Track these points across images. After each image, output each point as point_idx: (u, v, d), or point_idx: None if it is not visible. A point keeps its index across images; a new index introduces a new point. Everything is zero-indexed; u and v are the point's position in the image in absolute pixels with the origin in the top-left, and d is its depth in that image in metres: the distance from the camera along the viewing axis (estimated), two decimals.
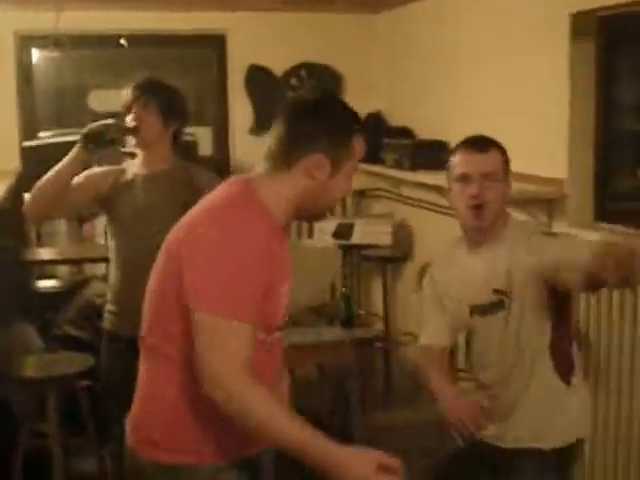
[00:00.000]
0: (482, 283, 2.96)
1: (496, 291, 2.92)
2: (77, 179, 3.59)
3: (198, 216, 2.21)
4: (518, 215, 4.16)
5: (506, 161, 2.94)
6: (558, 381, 2.94)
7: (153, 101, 3.62)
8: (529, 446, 2.97)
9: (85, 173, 3.66)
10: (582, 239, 3.01)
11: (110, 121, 3.52)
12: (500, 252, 2.90)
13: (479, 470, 3.13)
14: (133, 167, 3.74)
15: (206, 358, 2.05)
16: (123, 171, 3.74)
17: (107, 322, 3.76)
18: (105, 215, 3.79)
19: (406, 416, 5.65)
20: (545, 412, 2.96)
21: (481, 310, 2.99)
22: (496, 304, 2.93)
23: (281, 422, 2.03)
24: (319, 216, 2.39)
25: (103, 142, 3.46)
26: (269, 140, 2.25)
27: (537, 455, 2.96)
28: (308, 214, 2.37)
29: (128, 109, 3.64)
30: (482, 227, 2.91)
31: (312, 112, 2.26)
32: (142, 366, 2.33)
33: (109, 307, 3.76)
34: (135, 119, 3.60)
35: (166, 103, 3.66)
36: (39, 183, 3.50)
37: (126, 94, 3.67)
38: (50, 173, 3.48)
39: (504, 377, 3.01)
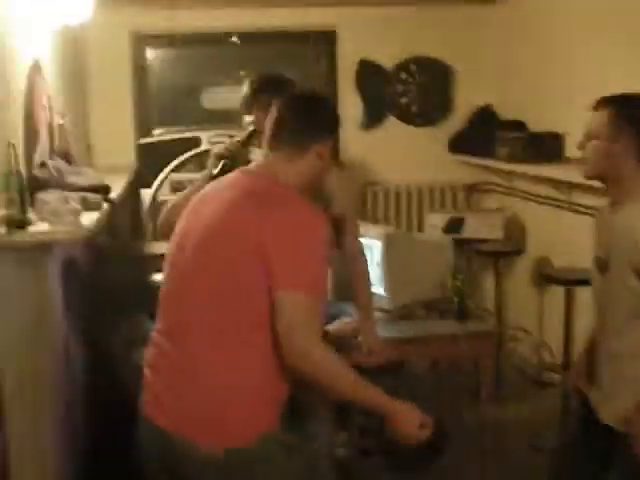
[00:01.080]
0: (603, 238, 2.97)
1: (607, 253, 2.91)
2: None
3: (252, 207, 2.38)
4: None
5: (616, 121, 2.82)
6: None
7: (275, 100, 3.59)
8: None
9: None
10: None
11: (238, 138, 3.52)
12: (624, 220, 2.84)
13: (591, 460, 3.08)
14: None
15: (298, 333, 2.27)
16: None
17: None
18: None
19: (517, 411, 5.60)
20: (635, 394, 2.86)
21: (597, 264, 2.99)
22: (604, 264, 2.93)
23: (357, 383, 2.37)
24: (314, 192, 2.71)
25: (236, 161, 3.44)
26: (273, 130, 2.57)
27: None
28: (309, 191, 2.60)
29: (248, 107, 3.57)
30: (585, 177, 2.98)
31: (319, 107, 2.66)
32: (206, 357, 2.39)
33: None
34: (256, 122, 3.50)
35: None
36: (172, 203, 3.53)
37: (244, 90, 3.60)
38: (182, 193, 3.51)
39: (602, 341, 3.01)
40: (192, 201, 2.63)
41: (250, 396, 2.39)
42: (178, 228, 2.60)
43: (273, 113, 2.60)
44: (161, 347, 2.51)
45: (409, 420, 2.44)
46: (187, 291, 2.43)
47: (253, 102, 3.54)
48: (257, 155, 3.66)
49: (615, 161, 2.84)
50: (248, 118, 3.58)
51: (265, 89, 3.52)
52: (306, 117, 2.57)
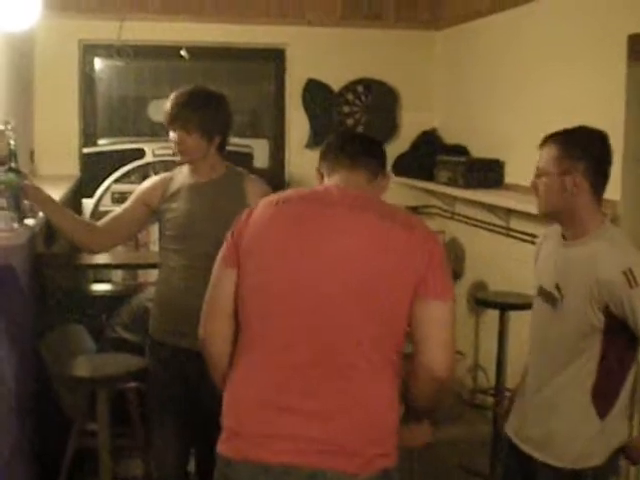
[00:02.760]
0: (551, 271, 3.00)
1: (557, 287, 2.93)
2: (128, 204, 3.67)
3: (397, 225, 2.44)
4: None
5: (563, 156, 2.86)
6: (591, 407, 2.88)
7: (193, 119, 3.49)
8: (542, 460, 2.95)
9: (134, 195, 3.70)
10: None
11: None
12: (579, 255, 2.88)
13: None
14: (181, 175, 3.70)
15: (449, 344, 2.39)
16: (172, 179, 3.70)
17: (151, 328, 3.77)
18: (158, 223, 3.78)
19: (450, 433, 5.65)
20: (563, 427, 2.92)
21: (542, 295, 3.03)
22: (551, 298, 2.96)
23: None
24: None
25: None
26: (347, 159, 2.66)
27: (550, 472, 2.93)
28: None
29: (170, 124, 3.55)
30: (540, 213, 3.04)
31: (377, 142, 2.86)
32: (345, 383, 2.38)
33: (154, 312, 3.78)
34: (177, 142, 3.53)
35: (208, 118, 3.54)
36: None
37: (167, 105, 3.57)
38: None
39: (537, 371, 3.04)
40: (260, 227, 2.48)
41: (392, 416, 2.46)
42: (275, 258, 2.44)
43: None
44: (300, 382, 2.39)
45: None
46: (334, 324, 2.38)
47: (173, 122, 3.54)
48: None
49: (567, 195, 2.84)
50: (172, 136, 3.57)
51: (184, 109, 3.51)
52: (375, 149, 2.78)
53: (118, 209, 3.76)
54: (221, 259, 2.52)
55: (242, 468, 2.37)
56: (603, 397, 2.86)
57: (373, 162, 2.69)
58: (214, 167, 3.65)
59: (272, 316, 2.40)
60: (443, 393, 2.45)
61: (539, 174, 2.92)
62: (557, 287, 2.93)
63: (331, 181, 2.63)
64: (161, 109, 6.94)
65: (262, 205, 2.52)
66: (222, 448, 2.44)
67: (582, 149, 2.86)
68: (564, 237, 2.97)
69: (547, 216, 3.03)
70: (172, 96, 3.58)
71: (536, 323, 3.11)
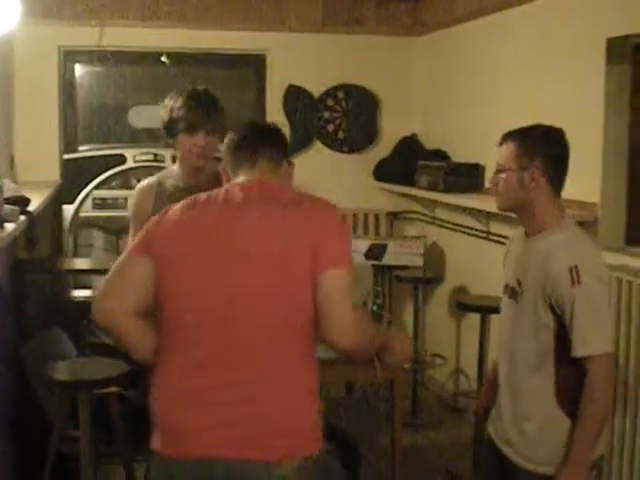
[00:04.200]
0: (514, 267, 3.04)
1: (518, 281, 2.97)
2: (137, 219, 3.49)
3: (298, 209, 2.50)
4: None
5: (521, 152, 2.92)
6: (557, 410, 2.87)
7: (222, 124, 3.48)
8: (517, 463, 2.95)
9: (135, 212, 3.58)
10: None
11: None
12: (536, 249, 2.92)
13: None
14: (171, 178, 3.63)
15: (340, 311, 2.38)
16: (159, 184, 3.62)
17: None
18: None
19: (433, 437, 5.66)
20: (534, 430, 2.91)
21: (507, 291, 3.06)
22: (513, 292, 2.99)
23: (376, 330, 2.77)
24: None
25: None
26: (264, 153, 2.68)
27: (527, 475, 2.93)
28: None
29: (198, 127, 3.46)
30: (499, 209, 3.10)
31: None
32: (259, 372, 2.42)
33: None
34: (205, 145, 3.47)
35: (224, 121, 3.54)
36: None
37: (178, 104, 3.48)
38: None
39: (505, 371, 3.04)
40: (174, 226, 2.53)
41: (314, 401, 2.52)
42: (189, 254, 2.48)
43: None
44: (215, 375, 2.44)
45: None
46: (245, 313, 2.42)
47: (199, 124, 3.47)
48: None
49: (526, 191, 2.90)
50: (197, 138, 3.48)
51: (212, 114, 3.49)
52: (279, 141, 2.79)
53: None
54: (133, 248, 2.54)
55: (183, 465, 2.43)
56: (568, 398, 2.84)
57: (274, 151, 2.69)
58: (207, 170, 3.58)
59: (186, 314, 2.45)
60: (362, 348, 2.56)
61: (498, 170, 2.98)
62: (518, 282, 2.96)
63: (237, 178, 2.65)
64: (142, 115, 7.00)
65: (174, 208, 2.57)
66: (159, 446, 2.50)
67: (539, 145, 2.93)
68: (526, 234, 3.01)
69: (506, 210, 3.08)
70: (191, 98, 3.51)
71: (502, 320, 3.13)
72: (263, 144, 2.67)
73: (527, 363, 2.91)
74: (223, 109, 3.59)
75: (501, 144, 3.00)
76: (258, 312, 2.41)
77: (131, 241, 3.22)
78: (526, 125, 3.03)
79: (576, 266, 2.75)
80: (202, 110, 3.47)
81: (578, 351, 2.76)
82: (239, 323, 2.41)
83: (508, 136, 3.00)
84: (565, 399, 2.85)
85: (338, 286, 2.39)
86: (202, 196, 2.58)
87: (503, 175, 2.95)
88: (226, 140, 2.75)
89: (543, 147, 2.93)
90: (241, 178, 2.63)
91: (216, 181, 3.46)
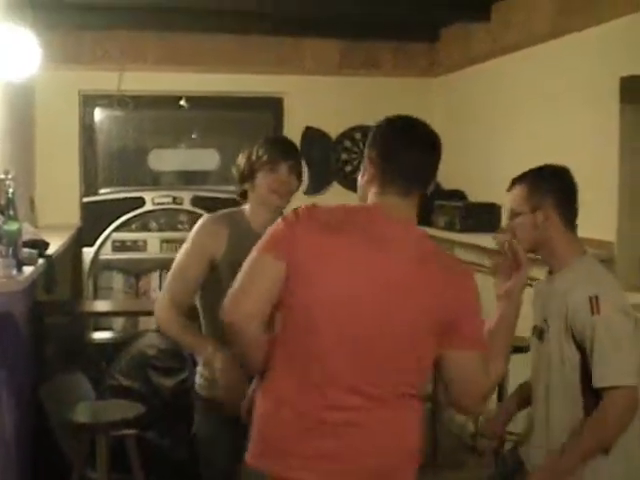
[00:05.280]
0: (540, 307, 3.06)
1: (544, 320, 2.99)
2: (190, 261, 3.33)
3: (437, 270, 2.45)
4: None
5: (531, 194, 2.96)
6: None
7: (298, 162, 3.43)
8: None
9: (193, 249, 3.35)
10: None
11: None
12: (559, 285, 2.94)
13: None
14: (243, 222, 3.42)
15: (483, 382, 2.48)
16: (232, 225, 3.39)
17: (202, 388, 3.39)
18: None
19: (453, 478, 5.62)
20: None
21: (535, 332, 3.08)
22: (541, 332, 3.02)
23: None
24: None
25: None
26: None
27: None
28: None
29: (282, 161, 3.37)
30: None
31: None
32: (372, 418, 2.40)
33: (203, 370, 3.36)
34: (288, 183, 3.38)
35: (301, 165, 3.49)
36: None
37: (257, 148, 3.39)
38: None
39: (538, 409, 3.05)
40: (314, 243, 2.43)
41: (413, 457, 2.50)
42: (329, 274, 2.40)
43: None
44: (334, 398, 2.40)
45: None
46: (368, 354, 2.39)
47: (282, 167, 3.38)
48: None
49: (541, 230, 2.95)
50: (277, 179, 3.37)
51: (296, 156, 3.44)
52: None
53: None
54: (265, 249, 2.43)
55: None
56: None
57: (423, 190, 2.63)
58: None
59: (315, 338, 2.39)
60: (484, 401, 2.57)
61: (512, 215, 3.02)
62: (544, 320, 2.99)
63: (385, 201, 2.54)
64: (161, 158, 7.07)
65: (312, 218, 2.47)
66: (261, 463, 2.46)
67: (547, 183, 2.98)
68: (550, 272, 3.04)
69: (527, 253, 3.04)
70: (269, 140, 3.49)
71: (533, 361, 3.13)
72: (416, 180, 2.65)
73: (558, 397, 2.93)
74: (300, 153, 3.55)
75: (510, 189, 3.05)
76: (398, 348, 2.39)
77: (183, 270, 3.28)
78: (533, 167, 3.06)
79: (596, 296, 2.79)
80: (282, 147, 3.44)
81: (597, 382, 2.78)
82: (377, 354, 2.39)
83: (516, 181, 3.04)
84: None
85: (473, 368, 2.46)
86: (339, 215, 2.51)
87: (517, 219, 2.99)
88: (376, 133, 2.69)
89: (552, 185, 2.97)
90: (390, 205, 2.54)
91: None
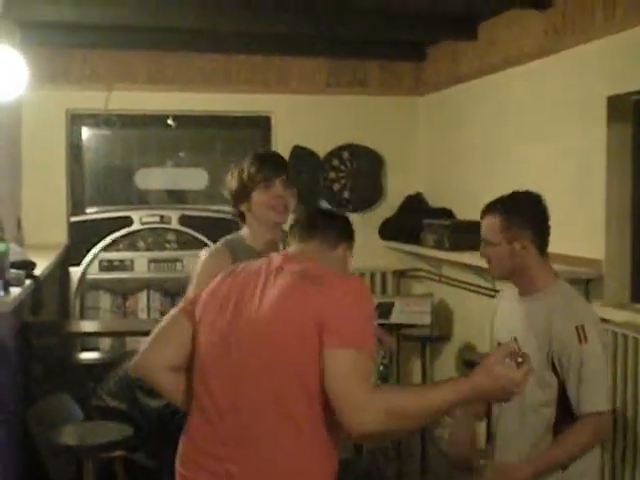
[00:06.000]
0: (508, 324, 3.08)
1: (514, 339, 2.97)
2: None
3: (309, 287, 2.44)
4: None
5: (508, 226, 2.95)
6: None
7: (291, 176, 3.41)
8: None
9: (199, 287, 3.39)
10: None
11: None
12: (535, 309, 2.96)
13: None
14: (242, 245, 3.39)
15: (358, 400, 2.23)
16: (232, 252, 3.34)
17: None
18: None
19: None
20: None
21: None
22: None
23: (427, 398, 2.28)
24: None
25: None
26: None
27: None
28: None
29: (277, 176, 3.36)
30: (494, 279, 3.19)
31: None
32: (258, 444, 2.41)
33: None
34: (284, 196, 3.35)
35: (294, 178, 3.47)
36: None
37: (247, 166, 3.36)
38: None
39: (503, 435, 3.07)
40: (214, 291, 2.60)
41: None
42: (212, 317, 2.54)
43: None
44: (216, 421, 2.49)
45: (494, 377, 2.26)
46: (242, 374, 2.43)
47: (276, 181, 3.35)
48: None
49: (518, 259, 2.96)
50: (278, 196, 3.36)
51: (285, 169, 3.42)
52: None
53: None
54: (180, 309, 2.64)
55: None
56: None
57: (331, 234, 2.69)
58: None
59: (206, 377, 2.51)
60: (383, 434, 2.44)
61: (487, 244, 3.02)
62: (514, 339, 2.97)
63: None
64: (148, 177, 7.06)
65: (222, 272, 2.65)
66: None
67: (524, 214, 2.98)
68: (520, 293, 3.05)
69: (502, 279, 3.14)
70: (258, 157, 3.44)
71: None
72: (321, 226, 2.70)
73: (532, 413, 2.94)
74: (292, 169, 3.56)
75: (483, 217, 3.04)
76: (263, 383, 2.40)
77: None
78: (504, 195, 3.05)
79: (582, 325, 2.83)
80: (273, 163, 3.40)
81: (586, 407, 2.80)
82: (244, 391, 2.42)
83: (491, 210, 3.02)
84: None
85: (345, 367, 2.28)
86: (246, 264, 2.65)
87: (493, 249, 2.99)
88: (291, 220, 2.78)
89: (528, 216, 2.98)
90: (287, 251, 2.67)
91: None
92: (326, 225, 2.72)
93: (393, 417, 2.23)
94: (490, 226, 2.99)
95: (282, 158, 3.51)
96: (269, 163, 3.39)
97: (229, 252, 3.31)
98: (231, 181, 3.42)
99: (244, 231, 3.42)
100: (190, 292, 3.24)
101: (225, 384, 2.46)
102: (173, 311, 2.64)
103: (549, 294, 2.96)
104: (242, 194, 3.37)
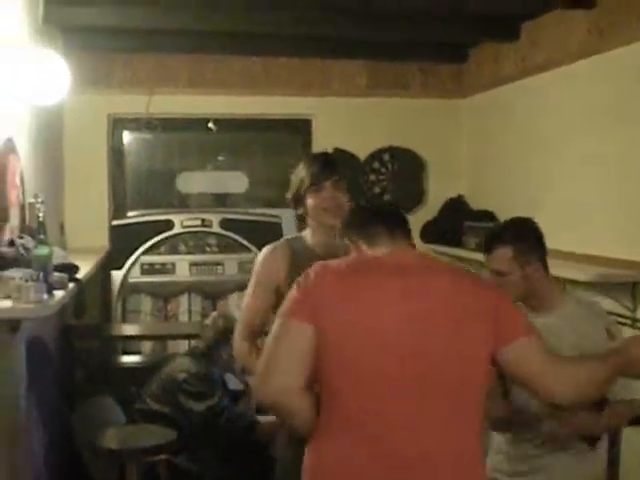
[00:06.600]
0: None
1: None
2: (257, 292, 3.36)
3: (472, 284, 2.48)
4: (602, 299, 4.17)
5: (518, 254, 3.11)
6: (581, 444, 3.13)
7: (343, 177, 3.37)
8: None
9: (258, 281, 3.38)
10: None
11: None
12: (553, 321, 3.08)
13: None
14: (302, 245, 3.43)
15: (551, 374, 2.43)
16: (292, 250, 3.40)
17: None
18: None
19: None
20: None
21: None
22: None
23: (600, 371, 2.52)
24: None
25: None
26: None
27: None
28: None
29: (326, 179, 3.35)
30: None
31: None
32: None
33: None
34: (334, 199, 3.32)
35: (348, 180, 3.45)
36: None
37: (301, 169, 3.42)
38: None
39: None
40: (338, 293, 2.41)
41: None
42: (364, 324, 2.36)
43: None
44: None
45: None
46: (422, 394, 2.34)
47: (324, 182, 3.36)
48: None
49: (531, 282, 3.14)
50: (325, 197, 3.36)
51: (337, 169, 3.40)
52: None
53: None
54: (289, 313, 2.39)
55: None
56: None
57: (408, 233, 2.70)
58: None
59: (366, 394, 2.34)
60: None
61: (500, 275, 3.13)
62: None
63: (378, 252, 2.55)
64: (189, 181, 7.07)
65: (329, 273, 2.47)
66: None
67: (530, 240, 3.18)
68: (532, 311, 3.11)
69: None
70: (311, 159, 3.49)
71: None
72: (398, 223, 2.69)
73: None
74: (345, 168, 3.57)
75: (492, 251, 3.17)
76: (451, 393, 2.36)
77: (252, 302, 3.31)
78: (502, 226, 3.39)
79: (609, 325, 3.15)
80: (321, 165, 3.39)
81: (623, 395, 3.04)
82: (435, 395, 2.33)
83: (500, 242, 3.16)
84: None
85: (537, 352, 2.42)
86: (351, 263, 2.52)
87: (508, 278, 3.11)
88: (350, 215, 2.76)
89: (533, 240, 3.18)
90: (382, 250, 2.55)
91: (347, 253, 3.37)
92: (403, 224, 2.72)
93: (582, 387, 2.44)
94: (502, 257, 3.13)
95: (331, 160, 3.48)
96: (318, 166, 3.39)
97: (289, 250, 3.36)
98: (290, 186, 3.46)
99: (306, 232, 3.46)
100: (255, 288, 3.35)
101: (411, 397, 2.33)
102: (281, 319, 2.39)
103: (565, 306, 3.15)
104: (297, 198, 3.41)
